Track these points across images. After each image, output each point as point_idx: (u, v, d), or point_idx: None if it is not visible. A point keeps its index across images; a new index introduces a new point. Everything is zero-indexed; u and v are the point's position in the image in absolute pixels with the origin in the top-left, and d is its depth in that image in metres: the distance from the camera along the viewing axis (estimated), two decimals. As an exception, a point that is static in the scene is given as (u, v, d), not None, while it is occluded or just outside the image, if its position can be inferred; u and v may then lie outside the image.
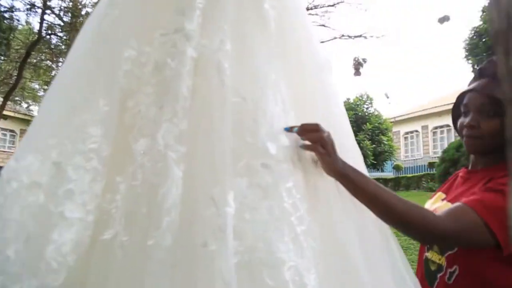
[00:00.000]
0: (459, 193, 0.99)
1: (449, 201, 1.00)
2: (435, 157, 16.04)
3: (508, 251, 0.82)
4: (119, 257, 0.62)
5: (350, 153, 0.85)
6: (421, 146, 19.74)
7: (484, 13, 12.24)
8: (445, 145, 14.92)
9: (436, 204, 1.05)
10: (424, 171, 15.07)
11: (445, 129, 18.28)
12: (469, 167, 1.05)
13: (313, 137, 0.77)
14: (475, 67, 12.80)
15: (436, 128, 18.96)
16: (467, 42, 13.12)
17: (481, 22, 12.53)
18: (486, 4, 12.32)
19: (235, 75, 0.71)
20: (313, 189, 0.79)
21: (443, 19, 11.09)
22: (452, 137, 16.50)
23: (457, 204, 0.86)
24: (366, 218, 0.85)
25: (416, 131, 19.98)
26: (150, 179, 0.67)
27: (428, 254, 1.01)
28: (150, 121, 0.74)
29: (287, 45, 0.85)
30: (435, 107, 18.16)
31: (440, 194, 1.09)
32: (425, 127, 19.59)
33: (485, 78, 0.96)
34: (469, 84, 1.02)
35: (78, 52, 0.82)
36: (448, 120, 17.65)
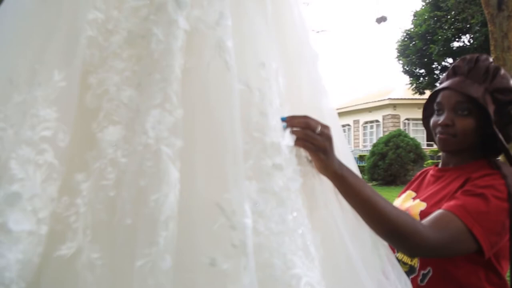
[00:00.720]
0: (434, 192, 0.97)
1: (422, 200, 0.97)
2: (365, 150, 17.08)
3: (489, 255, 0.82)
4: (89, 282, 0.47)
5: (342, 154, 0.76)
6: (352, 139, 20.86)
7: (415, 18, 13.11)
8: (374, 139, 15.97)
9: (407, 203, 1.01)
10: (355, 163, 15.91)
11: (374, 124, 19.48)
12: (440, 165, 1.04)
13: (304, 134, 0.67)
14: (406, 67, 13.74)
15: (366, 122, 20.12)
16: (399, 43, 13.99)
17: (412, 26, 13.42)
18: (418, 9, 13.20)
19: (236, 58, 0.58)
20: (310, 191, 0.69)
21: (381, 20, 11.68)
22: (381, 132, 17.66)
23: (441, 211, 0.83)
24: (359, 219, 0.78)
25: (348, 125, 21.03)
26: (133, 181, 0.52)
27: (398, 255, 0.97)
28: (123, 105, 0.59)
29: (283, 31, 0.73)
30: (367, 102, 19.23)
31: (410, 193, 1.06)
32: (356, 121, 20.71)
33: (458, 76, 0.94)
34: (442, 82, 1.00)
35: (18, 5, 0.63)
36: (377, 115, 19.16)
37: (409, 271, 0.93)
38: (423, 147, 11.53)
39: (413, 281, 0.91)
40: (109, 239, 0.52)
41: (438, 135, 0.95)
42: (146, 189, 0.50)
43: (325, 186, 0.72)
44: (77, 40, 0.58)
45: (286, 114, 0.66)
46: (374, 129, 19.57)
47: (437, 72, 13.15)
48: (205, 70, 0.58)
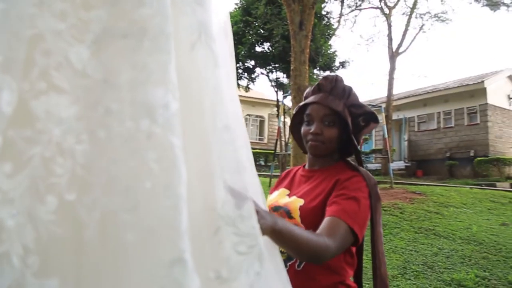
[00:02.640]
0: (308, 189, 1.11)
1: (299, 197, 1.10)
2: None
3: (359, 243, 1.02)
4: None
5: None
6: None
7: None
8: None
9: (284, 199, 1.13)
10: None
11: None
12: (306, 166, 1.22)
13: None
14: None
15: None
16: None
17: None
18: (231, 11, 14.16)
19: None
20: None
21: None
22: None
23: (330, 219, 0.96)
24: None
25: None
26: (126, 180, 0.38)
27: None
28: (68, 66, 0.42)
29: None
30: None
31: (284, 190, 1.18)
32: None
33: (323, 93, 1.13)
34: (307, 96, 1.18)
35: None
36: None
37: (287, 258, 1.03)
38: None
39: (290, 267, 1.02)
40: (77, 267, 0.36)
41: (310, 142, 1.12)
42: (153, 193, 0.38)
43: None
44: None
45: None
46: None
47: (240, 71, 14.49)
48: (187, 52, 0.49)
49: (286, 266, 1.01)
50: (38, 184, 0.38)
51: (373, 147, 15.95)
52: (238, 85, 14.62)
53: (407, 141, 16.35)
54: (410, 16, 14.98)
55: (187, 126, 0.47)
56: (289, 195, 1.14)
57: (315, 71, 14.29)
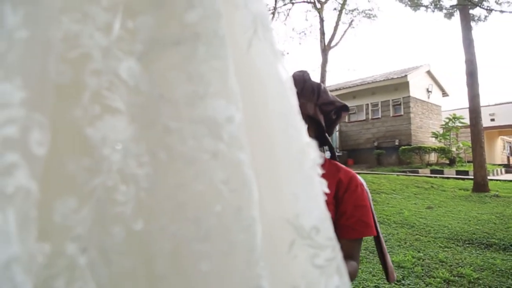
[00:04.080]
0: None
1: None
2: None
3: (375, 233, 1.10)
4: None
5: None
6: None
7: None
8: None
9: None
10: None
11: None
12: None
13: None
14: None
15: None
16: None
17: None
18: None
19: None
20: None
21: None
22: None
23: (349, 242, 1.02)
24: None
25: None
26: (191, 203, 0.34)
27: None
28: (120, 82, 0.36)
29: None
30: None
31: None
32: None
33: None
34: None
35: None
36: None
37: None
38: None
39: None
40: None
41: None
42: (225, 217, 0.35)
43: None
44: None
45: None
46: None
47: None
48: (244, 53, 0.44)
49: None
50: (104, 216, 0.32)
51: (308, 138, 16.60)
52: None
53: (338, 132, 17.25)
54: (340, 11, 15.71)
55: (254, 136, 0.43)
56: None
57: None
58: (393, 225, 5.01)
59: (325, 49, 15.61)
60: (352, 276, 0.97)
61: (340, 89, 17.14)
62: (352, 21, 16.16)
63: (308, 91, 1.11)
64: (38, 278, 0.28)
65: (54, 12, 0.32)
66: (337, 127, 17.51)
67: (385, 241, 4.34)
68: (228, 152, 0.37)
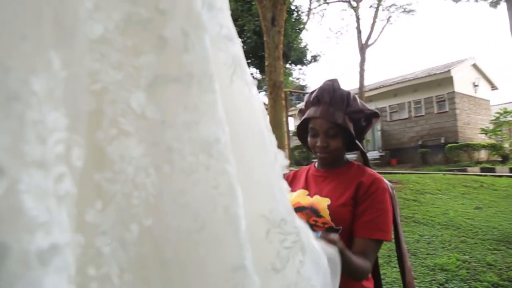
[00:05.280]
0: (330, 188, 1.17)
1: (324, 196, 1.16)
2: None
3: (390, 239, 1.12)
4: None
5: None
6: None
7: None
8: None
9: (306, 200, 1.18)
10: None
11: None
12: (318, 166, 1.27)
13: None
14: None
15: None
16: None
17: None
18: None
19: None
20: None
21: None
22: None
23: (363, 241, 1.06)
24: None
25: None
26: (190, 205, 0.43)
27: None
28: (131, 111, 0.45)
29: None
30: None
31: (302, 191, 1.23)
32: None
33: (323, 104, 1.18)
34: (307, 105, 1.24)
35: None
36: None
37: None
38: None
39: None
40: (162, 278, 0.43)
41: (318, 154, 1.19)
42: (215, 213, 0.45)
43: None
44: (76, 9, 0.40)
45: None
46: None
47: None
48: (228, 86, 0.53)
49: None
50: (123, 215, 0.42)
51: (348, 139, 16.30)
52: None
53: (380, 131, 16.82)
54: (377, 8, 15.37)
55: (236, 151, 0.51)
56: (310, 195, 1.19)
57: (287, 65, 14.44)
58: (437, 226, 4.84)
59: (362, 48, 15.33)
60: (361, 272, 0.98)
61: (380, 87, 16.73)
62: (389, 17, 15.76)
63: (337, 100, 1.15)
64: (76, 264, 0.37)
65: (82, 54, 0.41)
66: (379, 127, 17.05)
67: (428, 243, 4.22)
68: (217, 165, 0.46)
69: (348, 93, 1.18)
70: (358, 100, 1.19)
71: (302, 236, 0.56)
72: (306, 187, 1.23)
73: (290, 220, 0.55)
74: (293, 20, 13.41)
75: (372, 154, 15.80)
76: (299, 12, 14.24)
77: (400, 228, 1.20)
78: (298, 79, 17.48)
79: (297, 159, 14.74)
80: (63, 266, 0.32)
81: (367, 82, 16.48)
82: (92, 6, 0.42)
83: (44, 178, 0.33)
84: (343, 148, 1.19)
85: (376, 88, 16.74)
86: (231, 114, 0.52)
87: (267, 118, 0.59)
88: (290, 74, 16.02)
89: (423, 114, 15.52)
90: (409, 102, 15.98)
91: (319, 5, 15.72)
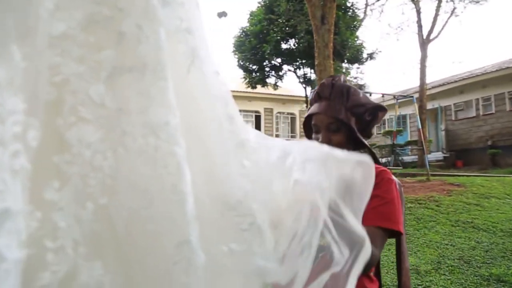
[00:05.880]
0: None
1: None
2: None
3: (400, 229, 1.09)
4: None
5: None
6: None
7: (251, 17, 14.17)
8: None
9: None
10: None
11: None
12: None
13: None
14: (240, 62, 14.70)
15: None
16: (235, 39, 14.85)
17: (248, 24, 14.45)
18: (254, 10, 14.25)
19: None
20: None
21: (221, 14, 12.15)
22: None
23: (370, 228, 1.01)
24: None
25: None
26: (141, 185, 0.48)
27: None
28: (90, 100, 0.51)
29: None
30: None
31: None
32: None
33: (324, 100, 1.17)
34: (311, 103, 1.24)
35: None
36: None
37: (320, 249, 1.10)
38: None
39: (323, 258, 1.08)
40: (114, 251, 0.47)
41: None
42: (163, 192, 0.48)
43: None
44: (35, 7, 0.48)
45: None
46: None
47: (267, 69, 14.57)
48: (184, 77, 0.57)
49: (317, 257, 1.09)
50: (79, 194, 0.48)
51: (409, 139, 15.53)
52: (266, 83, 14.70)
53: (444, 131, 15.81)
54: (439, 0, 14.45)
55: (192, 135, 0.56)
56: None
57: (344, 64, 14.10)
58: (499, 233, 4.46)
59: (424, 43, 14.51)
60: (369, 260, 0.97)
61: (444, 84, 15.72)
62: (454, 9, 14.74)
63: (336, 95, 1.14)
64: (33, 237, 0.44)
65: (43, 48, 0.48)
66: (443, 126, 16.01)
67: (486, 251, 3.90)
68: (166, 146, 0.50)
69: (349, 87, 1.16)
70: (361, 94, 1.17)
71: (259, 218, 0.58)
72: None
73: (246, 202, 0.57)
74: (348, 18, 13.09)
75: (435, 155, 14.88)
76: (355, 10, 13.86)
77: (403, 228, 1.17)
78: (356, 78, 17.01)
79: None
80: (14, 230, 0.38)
81: (430, 79, 15.57)
82: (53, 6, 0.49)
83: (1, 153, 0.40)
84: (348, 143, 1.17)
85: (439, 86, 15.76)
86: (187, 101, 0.57)
87: (231, 107, 0.62)
88: (347, 74, 15.64)
89: (493, 112, 14.30)
90: (477, 99, 14.82)
91: (377, 0, 15.16)
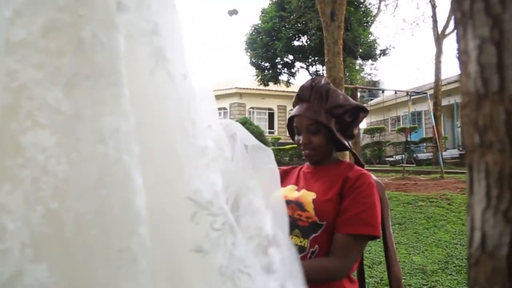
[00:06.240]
0: (318, 184, 1.17)
1: (310, 190, 1.15)
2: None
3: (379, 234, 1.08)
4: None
5: None
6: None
7: (263, 15, 14.15)
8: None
9: (293, 194, 1.18)
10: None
11: (222, 111, 20.40)
12: (309, 164, 1.27)
13: None
14: (253, 60, 14.69)
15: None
16: (247, 37, 14.85)
17: (260, 22, 14.43)
18: (265, 7, 14.20)
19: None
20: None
21: (232, 12, 12.17)
22: (228, 119, 18.62)
23: (343, 237, 1.04)
24: None
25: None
26: (90, 191, 0.49)
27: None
28: (47, 106, 0.52)
29: None
30: (215, 90, 19.78)
31: (292, 186, 1.23)
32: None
33: (304, 102, 1.18)
34: (293, 105, 1.25)
35: None
36: (225, 103, 20.20)
37: (299, 250, 1.09)
38: (265, 135, 12.67)
39: (303, 259, 1.07)
40: (60, 254, 0.48)
41: (303, 151, 1.20)
42: (109, 198, 0.49)
43: None
44: None
45: None
46: (222, 116, 20.46)
47: (279, 66, 14.53)
48: (147, 79, 0.58)
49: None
50: (30, 197, 0.49)
51: (423, 136, 15.27)
52: (278, 80, 14.67)
53: (460, 128, 15.48)
54: (456, -6, 14.10)
55: (154, 139, 0.57)
56: (298, 190, 1.19)
57: (357, 61, 13.96)
58: None
59: (439, 38, 14.22)
60: (327, 273, 0.98)
61: (459, 81, 15.36)
62: (471, 3, 14.35)
63: (315, 97, 1.14)
64: None
65: (1, 55, 0.50)
66: (458, 123, 15.66)
67: None
68: (113, 154, 0.51)
69: (328, 88, 1.16)
70: (341, 95, 1.17)
71: (230, 218, 0.57)
72: (296, 183, 1.24)
73: (218, 202, 0.56)
74: (361, 14, 12.94)
75: (450, 153, 14.59)
76: (367, 5, 13.69)
77: (389, 230, 1.15)
78: (369, 74, 16.76)
79: (367, 157, 14.20)
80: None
81: (445, 75, 15.26)
82: (11, 14, 0.51)
83: None
84: (329, 145, 1.17)
85: (455, 81, 15.42)
86: (149, 103, 0.58)
87: (194, 112, 0.62)
88: (361, 70, 15.46)
89: (511, 108, 13.91)
90: (494, 95, 14.43)
91: (391, -4, 14.92)
